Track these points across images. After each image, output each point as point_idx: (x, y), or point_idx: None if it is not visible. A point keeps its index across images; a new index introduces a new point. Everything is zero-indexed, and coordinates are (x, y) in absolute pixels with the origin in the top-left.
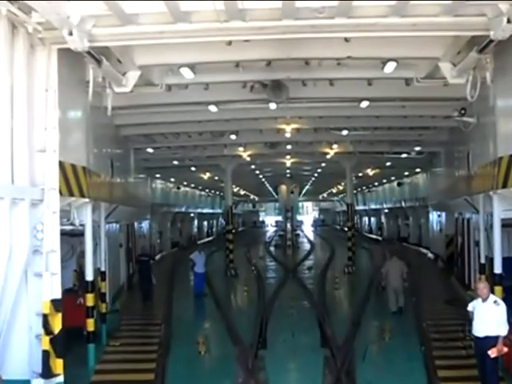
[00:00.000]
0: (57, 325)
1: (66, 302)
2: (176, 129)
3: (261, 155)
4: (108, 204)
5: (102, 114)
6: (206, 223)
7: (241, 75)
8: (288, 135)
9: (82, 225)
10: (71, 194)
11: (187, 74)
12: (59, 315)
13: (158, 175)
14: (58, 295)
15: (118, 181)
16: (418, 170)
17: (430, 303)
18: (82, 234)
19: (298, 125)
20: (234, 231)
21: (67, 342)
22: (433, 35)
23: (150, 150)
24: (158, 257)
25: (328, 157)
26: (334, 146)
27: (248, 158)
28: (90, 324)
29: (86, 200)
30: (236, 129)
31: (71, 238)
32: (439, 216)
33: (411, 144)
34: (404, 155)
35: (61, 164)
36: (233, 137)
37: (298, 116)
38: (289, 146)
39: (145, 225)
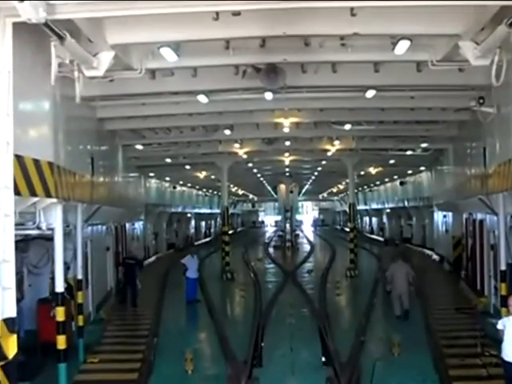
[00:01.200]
0: (11, 348)
1: (40, 314)
2: (165, 123)
3: (258, 152)
4: (87, 205)
5: (79, 104)
6: (203, 224)
7: (231, 58)
8: (286, 130)
9: (51, 229)
10: (34, 194)
11: (169, 56)
12: (14, 337)
13: (151, 174)
14: (13, 313)
15: (101, 180)
16: (422, 168)
17: (440, 310)
18: None
19: (297, 118)
20: (232, 231)
21: (41, 360)
22: (454, 4)
23: (140, 147)
24: (152, 259)
25: (329, 154)
26: (336, 143)
27: (245, 156)
28: (61, 341)
29: (54, 200)
30: (230, 123)
31: (46, 241)
32: (445, 216)
33: (417, 140)
34: (409, 152)
35: (19, 159)
36: (227, 132)
37: (297, 108)
38: (287, 143)
39: (138, 226)
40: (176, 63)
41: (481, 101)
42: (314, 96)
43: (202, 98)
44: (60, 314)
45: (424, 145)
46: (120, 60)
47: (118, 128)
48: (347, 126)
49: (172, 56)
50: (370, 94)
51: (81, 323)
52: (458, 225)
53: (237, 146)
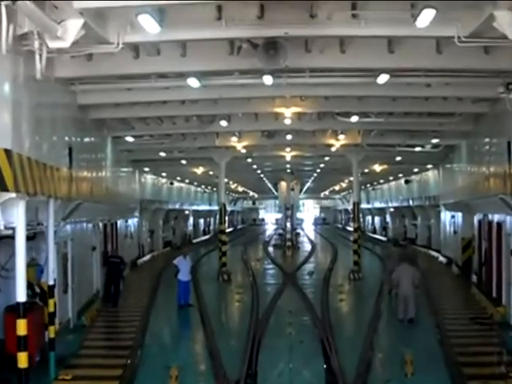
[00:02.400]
0: None
1: (6, 324)
2: (156, 111)
3: (257, 147)
4: (65, 201)
5: (54, 89)
6: (202, 221)
7: (224, 31)
8: (288, 122)
9: (11, 228)
10: None
11: (150, 26)
12: None
13: (146, 169)
14: None
15: (84, 174)
16: (429, 166)
17: (453, 320)
18: (33, 238)
19: (300, 108)
20: (232, 229)
21: (6, 376)
22: None
23: (130, 139)
24: (147, 257)
25: (333, 149)
26: (341, 137)
27: (243, 151)
28: (22, 359)
29: (13, 195)
30: (226, 112)
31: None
32: (453, 217)
33: (428, 135)
34: (418, 149)
35: None
36: (223, 123)
37: (300, 96)
38: (289, 137)
39: (132, 223)
40: (159, 36)
41: (510, 87)
42: (319, 82)
43: (193, 82)
44: (21, 327)
45: (435, 140)
46: (94, 32)
47: (104, 117)
48: (354, 118)
49: (153, 26)
50: (383, 79)
51: (52, 335)
52: (468, 226)
53: (235, 139)
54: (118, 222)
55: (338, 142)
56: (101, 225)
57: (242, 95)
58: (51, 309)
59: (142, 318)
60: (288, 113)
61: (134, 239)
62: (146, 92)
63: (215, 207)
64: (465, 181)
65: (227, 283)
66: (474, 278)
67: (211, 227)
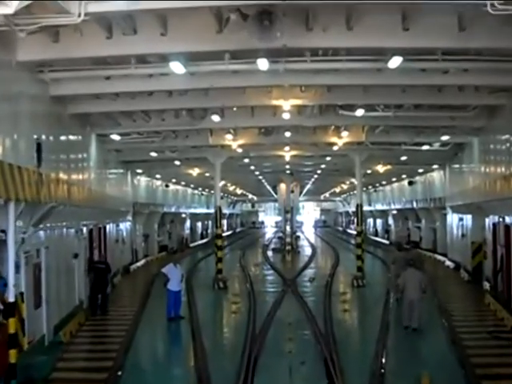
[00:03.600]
0: None
1: None
2: (141, 104)
3: (254, 146)
4: (30, 205)
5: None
6: (199, 224)
7: None
8: (286, 116)
9: None
10: None
11: None
12: None
13: (139, 171)
14: None
15: (60, 174)
16: (435, 166)
17: (469, 334)
18: None
19: (299, 100)
20: (231, 232)
21: None
22: None
23: (117, 137)
24: (141, 263)
25: (335, 148)
26: (344, 134)
27: (239, 150)
28: None
29: None
30: (218, 105)
31: None
32: (461, 219)
33: (438, 132)
34: (425, 147)
35: None
36: (216, 118)
37: (300, 85)
38: (287, 134)
39: (125, 227)
40: (130, 4)
41: None
42: (321, 67)
43: (177, 67)
44: None
45: (444, 137)
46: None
47: (84, 111)
48: (359, 112)
49: None
50: (395, 62)
51: (13, 360)
52: (478, 229)
53: (229, 137)
54: (108, 227)
55: (340, 140)
56: (85, 230)
57: (235, 84)
58: (11, 330)
59: (127, 334)
60: (287, 105)
61: (126, 244)
62: (126, 81)
63: (213, 210)
64: (476, 181)
65: (223, 291)
66: (487, 285)
67: (209, 230)
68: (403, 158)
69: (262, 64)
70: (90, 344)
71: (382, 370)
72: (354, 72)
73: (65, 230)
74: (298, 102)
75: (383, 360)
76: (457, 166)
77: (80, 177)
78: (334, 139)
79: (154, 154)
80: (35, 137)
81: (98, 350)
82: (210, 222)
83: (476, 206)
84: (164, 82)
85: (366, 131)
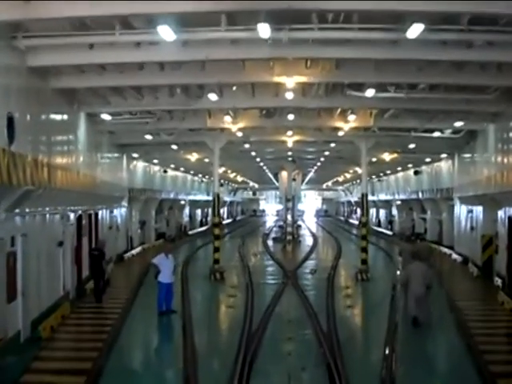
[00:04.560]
0: None
1: None
2: (131, 79)
3: (255, 130)
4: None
5: None
6: (199, 211)
7: None
8: (289, 96)
9: None
10: None
11: None
12: None
13: (135, 155)
14: None
15: (41, 155)
16: (443, 155)
17: (486, 337)
18: None
19: (304, 77)
20: (231, 220)
21: None
22: None
23: (107, 117)
24: (136, 250)
25: (340, 134)
26: (350, 118)
27: (239, 134)
28: None
29: None
30: (215, 81)
31: None
32: (470, 211)
33: (451, 117)
34: (437, 134)
35: None
36: (213, 97)
37: (305, 58)
38: (290, 117)
39: (120, 213)
40: None
41: None
42: (329, 37)
43: (166, 33)
44: None
45: (458, 123)
46: None
47: (68, 86)
48: (369, 92)
49: None
50: (415, 30)
51: None
52: (489, 222)
53: (228, 119)
54: (100, 213)
55: (346, 125)
56: (72, 216)
57: (234, 56)
58: None
59: (112, 329)
60: (290, 83)
61: (121, 231)
62: (112, 50)
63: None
64: (490, 171)
65: (220, 283)
66: (499, 281)
67: (209, 218)
68: (411, 146)
69: (264, 30)
70: (70, 341)
71: (390, 378)
72: (367, 44)
73: (48, 215)
74: (303, 78)
75: (392, 366)
76: (467, 155)
77: (66, 159)
78: (339, 124)
79: (149, 137)
80: (7, 112)
81: (79, 348)
82: (209, 210)
83: (489, 198)
84: (154, 53)
85: (374, 116)
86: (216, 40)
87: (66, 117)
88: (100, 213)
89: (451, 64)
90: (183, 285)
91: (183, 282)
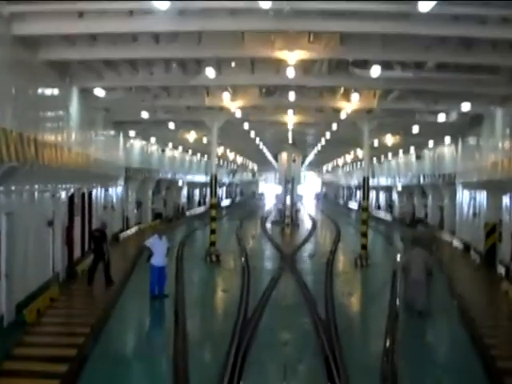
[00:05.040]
0: None
1: None
2: (124, 52)
3: (255, 108)
4: None
5: None
6: (197, 192)
7: None
8: (291, 73)
9: None
10: None
11: None
12: None
13: (132, 133)
14: None
15: (27, 130)
16: (446, 139)
17: (490, 329)
18: None
19: (306, 52)
20: (230, 202)
21: None
22: None
23: (101, 92)
24: (132, 230)
25: (342, 115)
26: (354, 98)
27: (238, 113)
28: None
29: None
30: (212, 56)
31: None
32: (473, 197)
33: (458, 99)
34: (441, 116)
35: None
36: (211, 72)
37: (307, 31)
38: (292, 95)
39: (115, 193)
40: None
41: None
42: (334, 9)
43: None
44: None
45: (465, 106)
46: None
47: (58, 58)
48: (375, 70)
49: None
50: (428, 4)
51: None
52: (492, 208)
53: (227, 96)
54: (94, 192)
55: (349, 105)
56: (63, 195)
57: (232, 27)
58: None
59: (102, 313)
60: (291, 58)
61: (116, 211)
62: (103, 20)
63: None
64: (497, 157)
65: (215, 265)
66: (502, 269)
67: (207, 199)
68: (414, 129)
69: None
70: (57, 325)
71: (392, 371)
72: (374, 17)
73: (36, 194)
74: (305, 54)
75: (393, 359)
76: (472, 139)
77: (57, 136)
78: (342, 104)
79: (145, 115)
80: None
81: (65, 333)
82: (208, 190)
83: (494, 184)
84: (147, 22)
85: (378, 96)
86: (213, 10)
87: (56, 91)
88: (94, 192)
89: (461, 42)
90: (178, 267)
91: (178, 264)
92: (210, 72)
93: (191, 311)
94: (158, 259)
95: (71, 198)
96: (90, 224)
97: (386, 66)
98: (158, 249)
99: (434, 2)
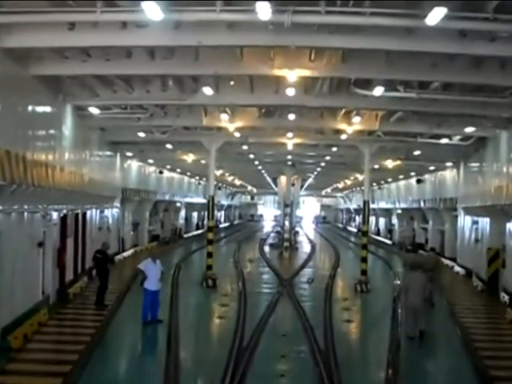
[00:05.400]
0: None
1: None
2: (118, 68)
3: (254, 130)
4: None
5: None
6: (195, 214)
7: None
8: (291, 92)
9: None
10: None
11: None
12: None
13: (129, 154)
14: None
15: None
16: (448, 164)
17: (496, 360)
18: None
19: (307, 71)
20: (229, 224)
21: None
22: None
23: (96, 111)
24: (128, 252)
25: (343, 137)
26: (355, 120)
27: (237, 134)
28: None
29: None
30: (210, 73)
31: None
32: (476, 222)
33: (462, 122)
34: (444, 141)
35: None
36: (208, 91)
37: (309, 47)
38: (291, 116)
39: (111, 214)
40: None
41: None
42: (338, 22)
43: (152, 9)
44: None
45: (469, 129)
46: None
47: (50, 73)
48: (378, 91)
49: None
50: (436, 16)
51: None
52: (496, 234)
53: (225, 117)
54: (89, 213)
55: (350, 128)
56: (55, 215)
57: (230, 42)
58: None
59: (91, 340)
60: (292, 76)
61: (112, 232)
62: (95, 32)
63: None
64: (502, 181)
65: (212, 290)
66: (505, 297)
67: (205, 221)
68: (416, 153)
69: (263, 10)
70: (44, 352)
71: None
72: (378, 32)
73: (26, 214)
74: (306, 72)
75: None
76: (474, 164)
77: (48, 155)
78: (342, 126)
79: (142, 135)
80: None
81: (52, 360)
82: (206, 213)
83: (498, 209)
84: (141, 36)
85: (379, 118)
86: (211, 23)
87: (49, 108)
88: (89, 213)
89: (469, 61)
90: (173, 291)
91: (173, 288)
92: (208, 90)
93: (185, 338)
94: (151, 283)
95: (64, 219)
96: (84, 246)
97: (388, 85)
98: (152, 272)
99: (443, 15)
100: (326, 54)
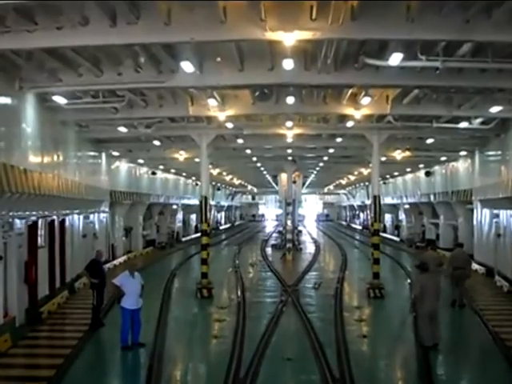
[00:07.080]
0: None
1: None
2: (71, 38)
3: (248, 119)
4: None
5: None
6: (194, 217)
7: None
8: (289, 65)
9: None
10: None
11: None
12: None
13: (115, 153)
14: None
15: None
16: (462, 153)
17: None
18: None
19: (308, 32)
20: (229, 225)
21: None
22: None
23: (62, 100)
24: (120, 260)
25: (349, 124)
26: (364, 102)
27: (230, 125)
28: None
29: None
30: (186, 39)
31: None
32: (496, 216)
33: (487, 102)
34: (464, 124)
35: None
36: (188, 67)
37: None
38: (290, 100)
39: (98, 219)
40: None
41: None
42: None
43: None
44: None
45: (495, 109)
46: None
47: None
48: (395, 58)
49: None
50: None
51: None
52: None
53: (213, 103)
54: (68, 219)
55: (358, 112)
56: (20, 223)
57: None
58: None
59: (57, 372)
60: (289, 39)
61: (99, 239)
62: None
63: (211, 202)
64: None
65: (207, 302)
66: None
67: None
68: (429, 141)
69: None
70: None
71: None
72: None
73: None
74: (306, 34)
75: None
76: (493, 152)
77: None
78: (349, 110)
79: (123, 130)
80: None
81: None
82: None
83: None
84: None
85: (390, 101)
86: None
87: (4, 99)
88: (68, 219)
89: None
90: (162, 305)
91: (163, 300)
92: (188, 66)
93: (170, 367)
94: (130, 301)
95: (32, 227)
96: (63, 256)
97: (407, 54)
98: (130, 288)
99: None
100: (331, 9)
